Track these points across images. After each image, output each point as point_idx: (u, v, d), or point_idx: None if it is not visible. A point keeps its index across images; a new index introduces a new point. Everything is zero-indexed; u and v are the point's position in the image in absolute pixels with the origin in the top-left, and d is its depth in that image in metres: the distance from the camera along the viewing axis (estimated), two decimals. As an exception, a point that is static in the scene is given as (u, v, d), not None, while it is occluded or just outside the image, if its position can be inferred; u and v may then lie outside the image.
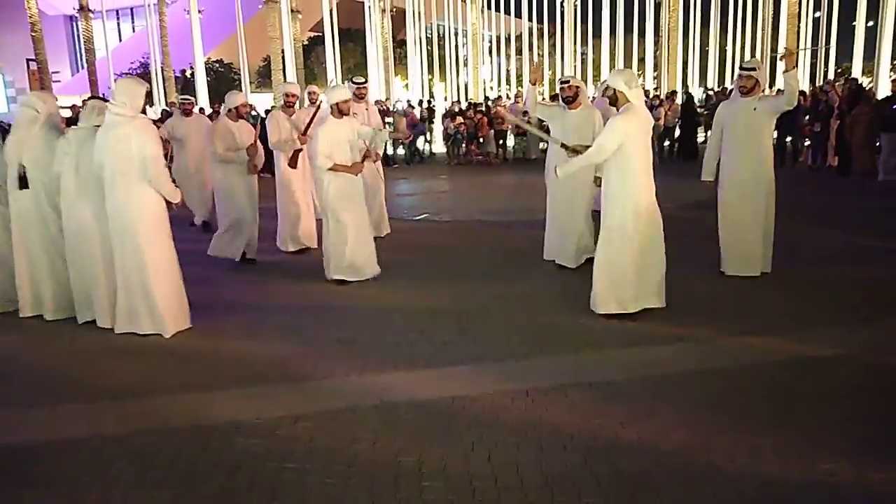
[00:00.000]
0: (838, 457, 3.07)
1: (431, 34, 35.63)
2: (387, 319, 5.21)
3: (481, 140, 17.82)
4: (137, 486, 3.05)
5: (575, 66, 30.96)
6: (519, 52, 37.12)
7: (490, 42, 37.97)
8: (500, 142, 18.34)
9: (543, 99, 8.73)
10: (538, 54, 34.79)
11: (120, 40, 45.26)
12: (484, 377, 4.12)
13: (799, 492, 2.83)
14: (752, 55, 26.80)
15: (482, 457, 3.20)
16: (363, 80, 8.19)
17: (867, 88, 13.62)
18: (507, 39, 37.50)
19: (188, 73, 31.58)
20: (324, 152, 5.93)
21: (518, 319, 5.14)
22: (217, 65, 39.79)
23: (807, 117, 14.13)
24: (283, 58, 25.43)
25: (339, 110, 6.08)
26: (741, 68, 5.95)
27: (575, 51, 30.79)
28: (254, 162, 6.86)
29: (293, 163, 7.20)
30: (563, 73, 28.98)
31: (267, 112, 17.20)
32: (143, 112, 5.01)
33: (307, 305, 5.67)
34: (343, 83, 8.20)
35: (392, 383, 4.05)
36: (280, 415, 3.67)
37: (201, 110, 18.61)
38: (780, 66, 5.94)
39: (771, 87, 19.34)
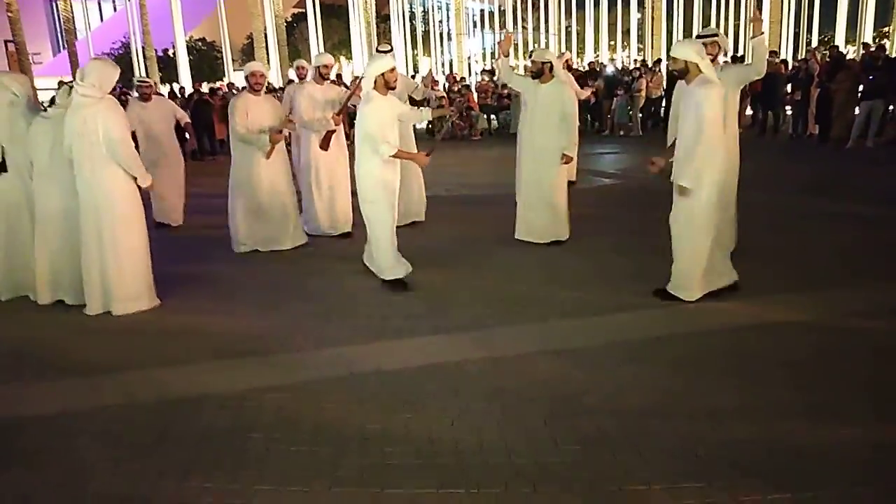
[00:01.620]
0: (796, 417, 3.15)
1: (414, 8, 35.24)
2: (361, 295, 5.25)
3: (470, 115, 17.74)
4: (103, 460, 3.09)
5: (560, 39, 30.77)
6: (504, 25, 36.81)
7: (476, 16, 37.66)
8: (487, 116, 18.28)
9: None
10: (523, 27, 34.52)
11: (101, 20, 44.57)
12: (452, 347, 4.18)
13: (755, 450, 2.90)
14: (737, 24, 26.68)
15: (446, 423, 3.26)
16: (389, 47, 6.81)
17: (848, 57, 13.60)
18: (493, 13, 37.16)
19: (170, 53, 31.19)
20: (382, 137, 5.07)
21: (490, 292, 5.18)
22: (199, 43, 39.32)
23: (788, 86, 14.18)
24: (265, 35, 25.17)
25: (386, 83, 5.17)
26: (699, 36, 5.62)
27: (560, 23, 30.58)
28: (273, 148, 6.31)
29: (325, 144, 6.62)
30: (547, 47, 28.83)
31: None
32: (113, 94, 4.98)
33: (282, 283, 5.68)
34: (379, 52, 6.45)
35: (362, 355, 4.10)
36: (248, 387, 3.71)
37: (181, 90, 18.38)
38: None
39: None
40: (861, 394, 3.35)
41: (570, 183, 9.49)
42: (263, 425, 3.30)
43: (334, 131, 6.60)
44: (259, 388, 3.70)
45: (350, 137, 6.96)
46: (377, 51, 6.90)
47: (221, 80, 25.39)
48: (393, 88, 5.28)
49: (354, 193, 5.54)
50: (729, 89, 5.14)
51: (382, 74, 5.11)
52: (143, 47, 27.83)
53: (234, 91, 17.17)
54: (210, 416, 3.44)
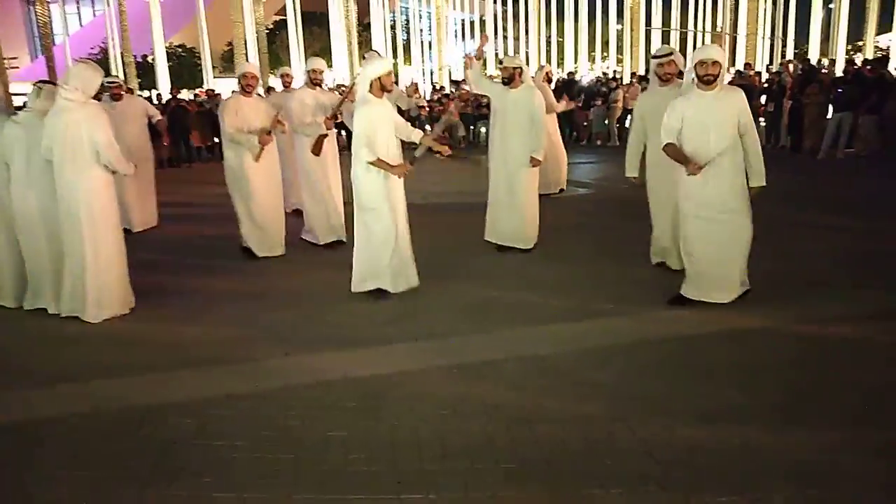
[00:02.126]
0: (751, 421, 3.21)
1: (395, 17, 35.38)
2: (331, 303, 5.26)
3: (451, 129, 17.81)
4: (66, 467, 3.07)
5: (540, 49, 31.02)
6: (495, 34, 37.02)
7: (458, 25, 37.87)
8: (466, 125, 18.36)
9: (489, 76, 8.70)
10: (503, 37, 34.78)
11: (81, 25, 44.22)
12: (420, 355, 4.21)
13: (710, 453, 2.96)
14: (714, 36, 27.09)
15: (408, 429, 3.29)
16: (378, 53, 7.17)
17: (819, 69, 13.87)
18: (472, 24, 37.40)
19: (149, 59, 31.02)
20: (364, 140, 4.93)
21: (460, 299, 5.22)
22: (179, 50, 39.15)
23: (763, 98, 14.43)
24: (245, 42, 25.13)
25: (382, 86, 5.02)
26: (654, 56, 5.58)
27: (540, 34, 30.84)
28: (262, 150, 6.33)
29: (317, 149, 6.51)
30: (527, 57, 29.09)
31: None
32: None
33: (254, 291, 5.68)
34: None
35: (329, 363, 4.11)
36: (213, 395, 3.71)
37: (158, 97, 18.29)
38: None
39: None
40: (814, 398, 3.42)
41: (560, 190, 9.66)
42: (226, 433, 3.30)
43: (326, 136, 6.56)
44: (224, 395, 3.70)
45: (342, 144, 7.01)
46: (364, 57, 7.04)
47: (201, 87, 25.27)
48: (389, 91, 5.17)
49: (347, 202, 5.56)
50: None
51: (379, 78, 4.98)
52: (121, 53, 27.68)
53: (214, 98, 17.15)
54: (173, 424, 3.43)
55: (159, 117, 8.58)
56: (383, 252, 5.13)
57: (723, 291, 4.72)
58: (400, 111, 7.13)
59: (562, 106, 10.48)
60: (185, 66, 37.00)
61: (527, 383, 3.74)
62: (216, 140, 15.60)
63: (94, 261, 4.92)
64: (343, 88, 7.02)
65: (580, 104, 15.41)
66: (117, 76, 9.15)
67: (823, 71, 14.36)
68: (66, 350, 4.54)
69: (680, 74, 5.33)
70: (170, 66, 29.04)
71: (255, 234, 6.59)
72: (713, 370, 3.80)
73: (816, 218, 7.33)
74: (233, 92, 6.74)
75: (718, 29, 26.43)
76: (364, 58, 7.02)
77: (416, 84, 13.11)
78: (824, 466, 2.82)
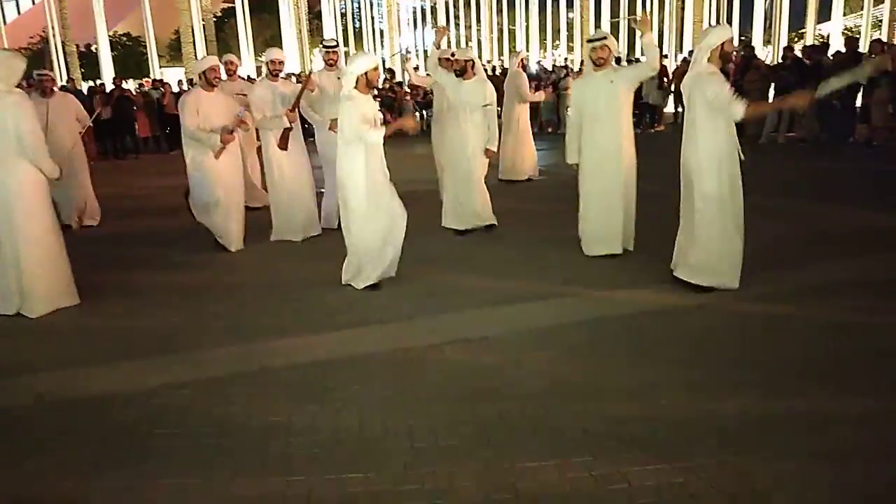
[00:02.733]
0: (678, 393, 3.35)
1: (346, 5, 35.01)
2: (279, 291, 5.26)
3: (400, 112, 17.76)
4: (5, 458, 3.05)
5: (492, 37, 31.12)
6: (447, 22, 36.89)
7: (410, 13, 37.67)
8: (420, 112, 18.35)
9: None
10: (455, 25, 34.76)
11: (18, 13, 42.62)
12: (366, 339, 4.26)
13: (639, 424, 3.08)
14: (661, 25, 27.53)
15: (352, 412, 3.34)
16: (335, 43, 7.06)
17: (752, 56, 14.20)
18: (424, 11, 37.26)
19: (93, 48, 30.11)
20: (365, 127, 4.85)
21: (408, 284, 5.27)
22: (124, 38, 38.13)
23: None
24: (192, 30, 24.61)
25: (369, 82, 4.97)
26: (589, 40, 5.64)
27: (492, 22, 30.92)
28: (223, 147, 6.07)
29: (284, 144, 6.36)
30: (479, 45, 29.17)
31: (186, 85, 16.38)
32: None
33: (200, 283, 5.63)
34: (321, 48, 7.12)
35: (274, 350, 4.13)
36: (156, 384, 3.70)
37: (101, 86, 17.77)
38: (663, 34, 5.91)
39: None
40: (738, 369, 3.57)
41: (528, 179, 9.78)
42: (168, 421, 3.31)
43: (291, 129, 6.36)
44: (167, 384, 3.70)
45: (308, 135, 6.85)
46: (322, 45, 6.97)
47: (148, 76, 24.67)
48: (376, 87, 5.09)
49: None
50: (625, 88, 5.40)
51: (366, 73, 4.88)
52: (62, 42, 26.79)
53: (160, 88, 16.78)
54: (116, 414, 3.42)
55: (88, 124, 7.92)
56: (373, 248, 5.07)
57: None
58: None
59: (538, 96, 10.60)
60: (130, 55, 36.11)
61: (470, 364, 3.82)
62: (167, 130, 15.34)
63: (31, 255, 4.82)
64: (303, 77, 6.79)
65: (556, 94, 15.58)
66: (48, 69, 8.56)
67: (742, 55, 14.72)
68: (7, 344, 4.47)
69: (618, 60, 5.47)
70: (114, 56, 28.27)
71: (223, 227, 6.37)
72: (648, 347, 3.94)
73: (759, 200, 7.53)
74: (192, 85, 6.61)
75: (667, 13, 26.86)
76: (323, 45, 7.02)
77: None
78: (745, 433, 2.96)
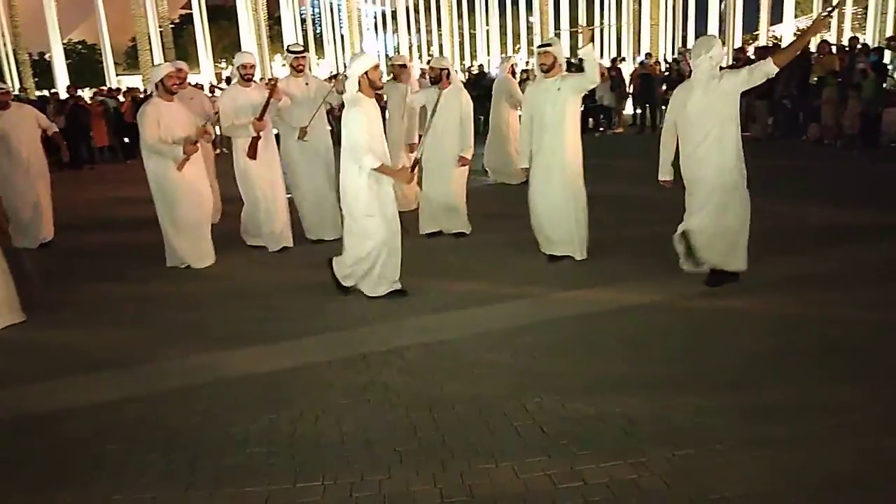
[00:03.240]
0: (632, 391, 3.40)
1: (306, 11, 34.84)
2: (235, 300, 5.21)
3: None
4: (-54, 482, 2.96)
5: (454, 42, 31.25)
6: (407, 27, 36.93)
7: (371, 19, 37.63)
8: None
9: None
10: (416, 30, 34.84)
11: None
12: (325, 347, 4.24)
13: (593, 422, 3.13)
14: (619, 29, 27.98)
15: (309, 421, 3.32)
16: (301, 48, 6.70)
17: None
18: (385, 16, 37.26)
19: (47, 56, 29.44)
20: (367, 146, 4.58)
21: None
22: (79, 46, 37.41)
23: (664, 86, 15.04)
24: (149, 37, 24.23)
25: (371, 83, 4.66)
26: (538, 46, 5.74)
27: (453, 26, 31.05)
28: (186, 158, 5.80)
29: (252, 153, 6.12)
30: (440, 49, 29.27)
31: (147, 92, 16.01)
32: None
33: (156, 293, 5.56)
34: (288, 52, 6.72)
35: (231, 360, 4.09)
36: (109, 399, 3.64)
37: (53, 95, 17.40)
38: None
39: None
40: (690, 366, 3.65)
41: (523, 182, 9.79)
42: (121, 435, 3.26)
43: (259, 138, 6.11)
44: (120, 399, 3.64)
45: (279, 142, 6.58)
46: (288, 51, 6.61)
47: (104, 84, 24.20)
48: (380, 88, 4.89)
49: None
50: (569, 96, 5.44)
51: (366, 73, 4.62)
52: (14, 50, 26.13)
53: (116, 97, 16.48)
54: (67, 429, 3.36)
55: (54, 129, 7.73)
56: (377, 260, 4.90)
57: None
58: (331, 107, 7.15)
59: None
60: (86, 63, 35.42)
61: (428, 368, 3.83)
62: (126, 140, 15.05)
63: None
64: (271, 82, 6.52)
65: None
66: (6, 84, 8.34)
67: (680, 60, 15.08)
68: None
69: (571, 66, 5.56)
70: (69, 64, 27.67)
71: (183, 244, 6.08)
72: (602, 345, 4.00)
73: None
74: (149, 95, 6.38)
75: (625, 19, 27.30)
76: (289, 51, 6.71)
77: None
78: (697, 429, 3.02)
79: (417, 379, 3.71)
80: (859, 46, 12.98)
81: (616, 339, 4.06)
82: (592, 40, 5.48)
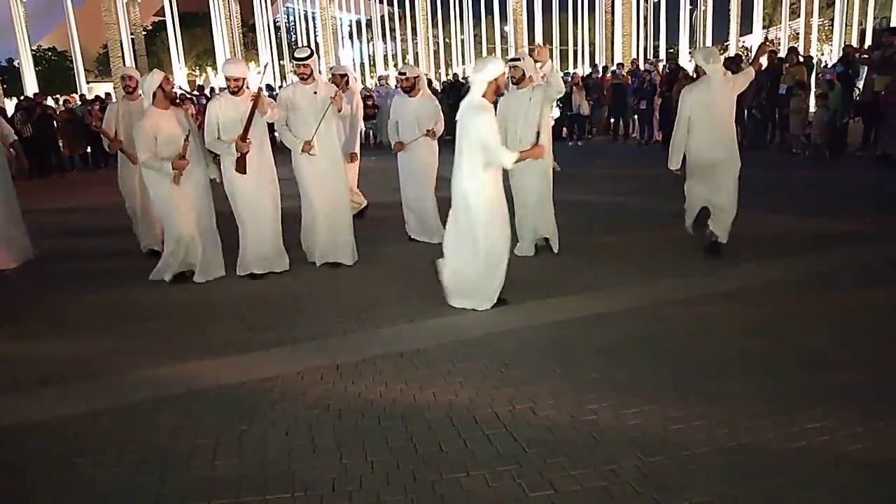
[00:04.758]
0: (603, 398, 3.43)
1: (279, 19, 34.71)
2: (206, 311, 5.16)
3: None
4: None
5: (429, 51, 31.34)
6: (382, 36, 36.94)
7: (346, 27, 37.58)
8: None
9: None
10: (391, 39, 34.89)
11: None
12: (298, 357, 4.21)
13: (564, 431, 3.15)
14: (591, 38, 28.27)
15: (280, 432, 3.30)
16: (308, 53, 5.87)
17: (683, 69, 14.76)
18: (359, 24, 37.24)
19: (15, 63, 28.94)
20: (499, 145, 4.58)
21: (343, 299, 5.26)
22: (49, 53, 36.83)
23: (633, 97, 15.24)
24: (121, 44, 23.94)
25: (498, 88, 4.66)
26: (508, 60, 5.80)
27: (428, 35, 31.14)
28: (180, 174, 5.45)
29: (241, 167, 5.56)
30: (416, 58, 29.33)
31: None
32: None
33: (128, 303, 5.48)
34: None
35: (201, 371, 4.04)
36: (76, 412, 3.58)
37: (23, 101, 17.12)
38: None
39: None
40: (661, 373, 3.69)
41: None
42: (89, 449, 3.20)
43: (247, 151, 5.54)
44: (87, 411, 3.58)
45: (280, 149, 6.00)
46: (294, 57, 5.98)
47: (75, 92, 23.86)
48: (502, 95, 4.80)
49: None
50: (538, 106, 5.64)
51: (496, 79, 4.56)
52: (-19, 57, 25.67)
53: (89, 104, 16.25)
54: (32, 443, 3.29)
55: (13, 138, 7.35)
56: (504, 263, 4.77)
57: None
58: None
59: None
60: (56, 69, 34.87)
61: (402, 378, 3.83)
62: (90, 149, 14.86)
63: None
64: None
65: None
66: None
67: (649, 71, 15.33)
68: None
69: (546, 77, 5.70)
70: (39, 71, 27.21)
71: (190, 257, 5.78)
72: (574, 353, 4.02)
73: (671, 206, 7.81)
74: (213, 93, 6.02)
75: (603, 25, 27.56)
76: (295, 58, 5.99)
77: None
78: (668, 437, 3.06)
79: (390, 388, 3.70)
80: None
81: (588, 347, 4.09)
82: (551, 57, 5.72)
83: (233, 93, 5.60)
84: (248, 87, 5.70)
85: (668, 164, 5.87)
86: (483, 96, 4.56)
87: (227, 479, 2.90)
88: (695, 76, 13.93)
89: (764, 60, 11.18)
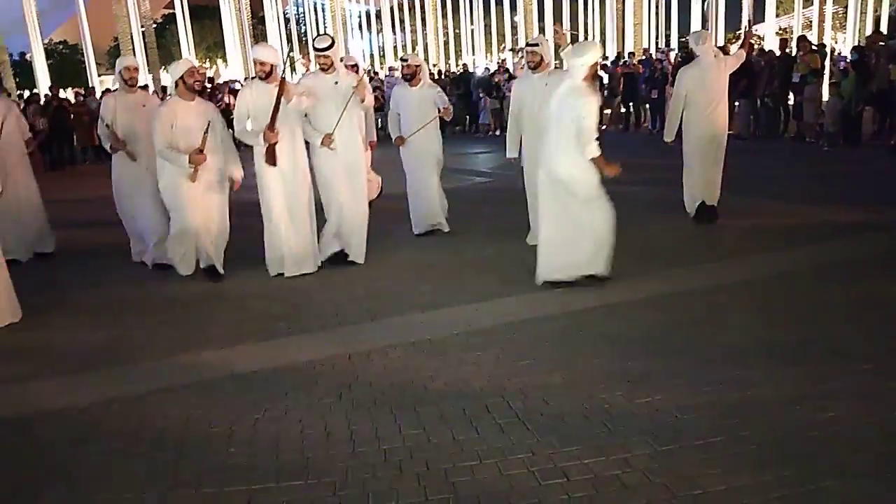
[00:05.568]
0: (616, 387, 3.42)
1: (289, 10, 34.70)
2: (219, 301, 5.19)
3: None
4: (-75, 486, 2.93)
5: (439, 42, 31.25)
6: (392, 27, 36.83)
7: (356, 18, 37.51)
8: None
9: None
10: (400, 29, 34.79)
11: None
12: (310, 346, 4.23)
13: (577, 418, 3.15)
14: (602, 27, 28.05)
15: (294, 420, 3.31)
16: (329, 42, 5.53)
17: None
18: (370, 16, 37.18)
19: (28, 57, 29.10)
20: (594, 133, 4.64)
21: (356, 289, 5.27)
22: (61, 46, 37.05)
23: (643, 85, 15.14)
24: (132, 37, 24.03)
25: (594, 74, 4.78)
26: (527, 44, 5.99)
27: (437, 26, 31.04)
28: (196, 170, 5.24)
29: (271, 158, 5.33)
30: (425, 49, 29.27)
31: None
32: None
33: (137, 294, 5.52)
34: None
35: (215, 360, 4.07)
36: (91, 400, 3.61)
37: (32, 96, 17.23)
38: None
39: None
40: (674, 362, 3.67)
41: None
42: (103, 437, 3.24)
43: (276, 142, 5.31)
44: (102, 400, 3.61)
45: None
46: (315, 47, 5.66)
47: (86, 85, 23.97)
48: (593, 81, 4.79)
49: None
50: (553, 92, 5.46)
51: (595, 64, 4.67)
52: (-7, 51, 25.79)
53: (94, 98, 16.33)
54: (47, 432, 3.33)
55: (29, 135, 7.02)
56: (612, 237, 4.84)
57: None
58: None
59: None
60: (67, 63, 35.07)
61: (414, 366, 3.84)
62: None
63: None
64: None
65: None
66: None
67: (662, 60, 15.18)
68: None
69: (562, 63, 5.66)
70: (51, 64, 27.37)
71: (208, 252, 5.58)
72: (586, 342, 4.02)
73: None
74: (168, 95, 5.86)
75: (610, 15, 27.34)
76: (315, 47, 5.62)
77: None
78: (679, 424, 3.05)
79: (402, 378, 3.71)
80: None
81: (600, 336, 4.08)
82: (571, 42, 5.57)
83: (261, 79, 5.38)
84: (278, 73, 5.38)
85: (664, 136, 6.71)
86: (584, 80, 4.60)
87: (241, 467, 2.92)
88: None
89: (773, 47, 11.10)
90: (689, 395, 3.29)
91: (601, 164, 4.69)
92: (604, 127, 15.79)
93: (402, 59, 7.05)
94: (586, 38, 30.15)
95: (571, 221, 4.79)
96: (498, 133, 16.33)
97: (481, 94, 16.41)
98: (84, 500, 2.75)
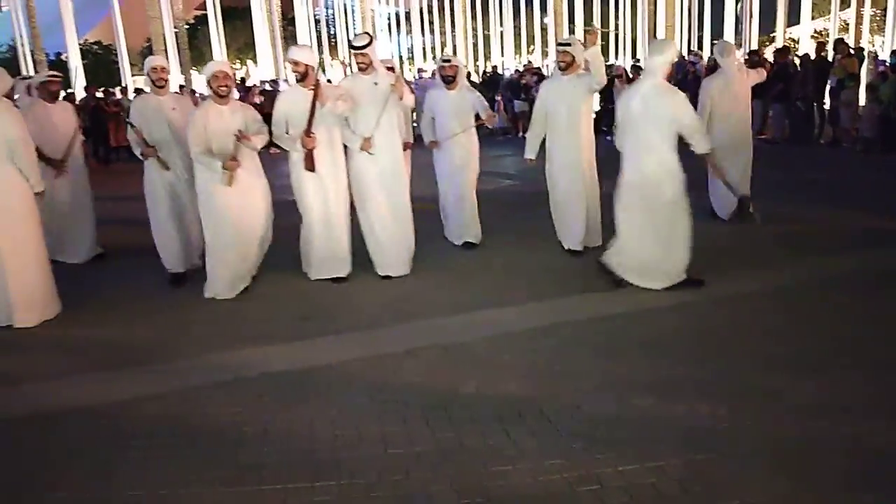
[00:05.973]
0: (648, 393, 3.39)
1: (320, 12, 34.96)
2: (252, 301, 5.23)
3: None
4: (-31, 477, 3.00)
5: (468, 44, 31.26)
6: (421, 29, 36.93)
7: (386, 20, 37.70)
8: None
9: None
10: (430, 31, 34.88)
11: (-16, 22, 41.90)
12: (341, 347, 4.26)
13: (610, 424, 3.13)
14: (634, 30, 27.84)
15: (326, 420, 3.34)
16: (367, 40, 5.41)
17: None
18: (399, 18, 37.34)
19: (63, 57, 29.68)
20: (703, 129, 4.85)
21: (388, 291, 5.29)
22: (95, 47, 37.72)
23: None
24: (164, 38, 24.38)
25: (670, 74, 4.71)
26: (558, 44, 5.94)
27: (466, 27, 31.05)
28: (231, 176, 5.06)
29: (310, 164, 5.22)
30: (454, 50, 29.27)
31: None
32: None
33: (173, 292, 5.60)
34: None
35: (248, 359, 4.11)
36: (128, 397, 3.67)
37: (71, 96, 17.51)
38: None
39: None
40: (709, 369, 3.63)
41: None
42: (140, 433, 3.28)
43: (313, 147, 5.19)
44: (139, 397, 3.67)
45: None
46: (352, 46, 5.55)
47: (119, 85, 24.39)
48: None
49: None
50: (581, 94, 5.65)
51: (671, 63, 4.68)
52: (31, 51, 26.34)
53: (126, 98, 16.62)
54: (86, 427, 3.39)
55: (75, 126, 6.82)
56: (687, 245, 4.80)
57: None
58: None
59: None
60: (101, 63, 35.68)
61: (445, 370, 3.84)
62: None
63: (17, 260, 4.76)
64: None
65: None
66: (57, 72, 7.21)
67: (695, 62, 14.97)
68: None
69: (589, 65, 5.55)
70: (85, 64, 27.87)
71: (229, 267, 5.31)
72: (620, 348, 3.99)
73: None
74: (202, 98, 5.78)
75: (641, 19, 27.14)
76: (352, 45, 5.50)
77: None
78: (715, 433, 3.01)
79: (434, 380, 3.72)
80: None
81: (634, 342, 4.05)
82: (595, 43, 5.56)
83: (297, 81, 5.31)
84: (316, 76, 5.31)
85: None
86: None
87: (275, 466, 2.95)
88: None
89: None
90: (725, 403, 3.25)
91: (713, 160, 4.73)
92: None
93: (442, 60, 6.65)
94: (616, 40, 29.98)
95: (656, 225, 4.69)
96: (523, 136, 16.32)
97: (496, 97, 16.37)
98: (120, 497, 2.79)
